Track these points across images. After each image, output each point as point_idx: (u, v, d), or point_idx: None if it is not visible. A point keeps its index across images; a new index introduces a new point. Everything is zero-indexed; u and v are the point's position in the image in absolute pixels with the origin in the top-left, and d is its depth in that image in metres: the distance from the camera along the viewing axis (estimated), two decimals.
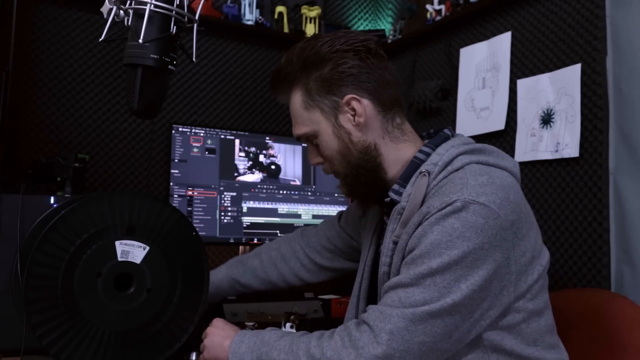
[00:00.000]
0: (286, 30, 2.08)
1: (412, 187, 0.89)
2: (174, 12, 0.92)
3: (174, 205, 1.49)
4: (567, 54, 1.48)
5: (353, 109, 0.94)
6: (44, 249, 0.92)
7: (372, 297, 1.03)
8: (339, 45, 0.93)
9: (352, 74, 0.93)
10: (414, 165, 0.93)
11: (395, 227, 0.90)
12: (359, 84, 0.94)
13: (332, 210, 1.87)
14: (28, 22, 1.70)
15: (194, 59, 1.02)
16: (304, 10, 2.15)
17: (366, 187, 0.98)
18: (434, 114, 1.94)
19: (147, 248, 0.99)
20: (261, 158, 1.81)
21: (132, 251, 0.97)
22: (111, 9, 0.92)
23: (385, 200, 0.96)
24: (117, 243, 0.96)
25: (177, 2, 0.93)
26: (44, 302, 0.91)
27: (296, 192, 1.84)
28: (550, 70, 1.52)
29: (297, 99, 0.97)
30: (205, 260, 1.07)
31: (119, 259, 0.96)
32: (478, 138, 1.71)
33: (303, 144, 1.87)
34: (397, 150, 0.97)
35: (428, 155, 0.93)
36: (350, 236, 1.23)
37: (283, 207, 1.80)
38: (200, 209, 1.69)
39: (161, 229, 1.01)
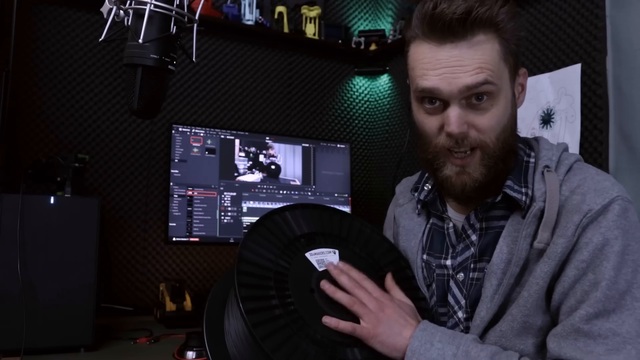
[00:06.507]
0: (286, 30, 2.08)
1: (543, 184, 0.81)
2: (174, 12, 0.92)
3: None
4: (567, 54, 1.48)
5: (521, 85, 0.86)
6: (247, 301, 0.77)
7: None
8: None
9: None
10: (518, 161, 0.86)
11: (532, 231, 0.80)
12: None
13: None
14: (28, 22, 1.70)
15: (194, 59, 1.02)
16: (304, 10, 2.15)
17: (501, 175, 0.83)
18: None
19: (337, 251, 0.91)
20: (261, 158, 1.81)
21: (326, 258, 0.89)
22: (111, 9, 0.92)
23: (489, 200, 0.85)
24: (307, 255, 0.88)
25: (177, 2, 0.93)
26: (276, 337, 0.77)
27: (296, 192, 1.84)
28: (550, 70, 1.52)
29: (494, 46, 0.79)
30: (394, 246, 1.00)
31: (320, 270, 0.87)
32: None
33: (303, 144, 1.87)
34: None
35: (524, 151, 0.87)
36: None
37: None
38: (200, 209, 1.69)
39: (339, 231, 0.95)
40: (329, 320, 0.77)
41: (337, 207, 1.89)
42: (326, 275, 0.84)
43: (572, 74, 1.45)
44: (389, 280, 0.88)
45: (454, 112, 0.77)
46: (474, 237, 0.88)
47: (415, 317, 0.83)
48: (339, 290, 0.81)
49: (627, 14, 1.29)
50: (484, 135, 0.79)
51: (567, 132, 1.45)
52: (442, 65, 0.77)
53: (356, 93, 2.34)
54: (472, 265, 0.87)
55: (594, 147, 1.39)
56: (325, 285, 0.81)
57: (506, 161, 0.82)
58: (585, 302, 0.73)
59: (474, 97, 0.77)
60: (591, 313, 0.73)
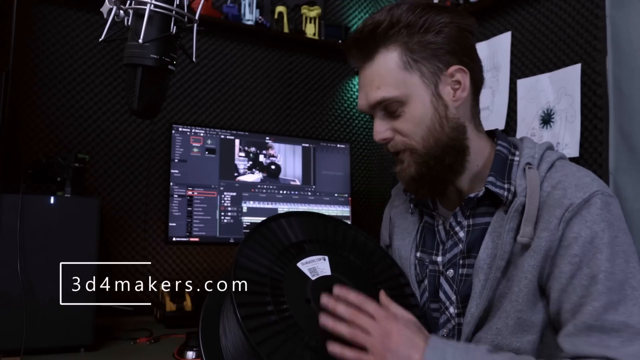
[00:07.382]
0: (286, 30, 2.08)
1: (524, 180, 0.84)
2: (174, 12, 0.92)
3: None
4: (567, 54, 1.48)
5: (458, 82, 0.87)
6: (243, 307, 0.78)
7: None
8: (447, 19, 0.86)
9: (460, 45, 0.87)
10: (501, 159, 0.88)
11: (514, 225, 0.82)
12: (463, 57, 0.87)
13: (332, 210, 1.87)
14: (28, 22, 1.70)
15: (194, 59, 1.02)
16: (304, 10, 2.15)
17: (447, 172, 0.88)
18: None
19: (327, 257, 0.91)
20: (261, 158, 1.81)
21: (317, 266, 0.88)
22: (111, 9, 0.92)
23: (472, 195, 0.88)
24: (299, 265, 0.87)
25: (177, 2, 0.93)
26: (274, 345, 0.77)
27: (296, 192, 1.84)
28: (550, 70, 1.52)
29: (392, 58, 0.86)
30: (380, 247, 1.00)
31: (313, 279, 0.86)
32: None
33: (303, 144, 1.87)
34: (480, 140, 0.91)
35: (508, 150, 0.90)
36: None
37: (283, 207, 1.80)
38: (200, 209, 1.69)
39: (325, 236, 0.95)
40: (333, 349, 0.74)
41: (336, 207, 1.90)
42: (319, 286, 0.83)
43: (572, 74, 1.45)
44: (384, 296, 0.84)
45: (375, 123, 0.91)
46: (461, 234, 0.90)
47: (421, 334, 0.78)
48: (339, 323, 0.77)
49: (627, 14, 1.29)
50: (408, 138, 0.87)
51: (567, 132, 1.45)
52: (362, 85, 0.91)
53: (356, 93, 2.34)
54: (461, 262, 0.90)
55: (594, 147, 1.39)
56: (326, 320, 0.77)
57: (444, 159, 0.87)
58: (589, 297, 0.75)
59: (386, 107, 0.88)
60: (598, 307, 0.74)
